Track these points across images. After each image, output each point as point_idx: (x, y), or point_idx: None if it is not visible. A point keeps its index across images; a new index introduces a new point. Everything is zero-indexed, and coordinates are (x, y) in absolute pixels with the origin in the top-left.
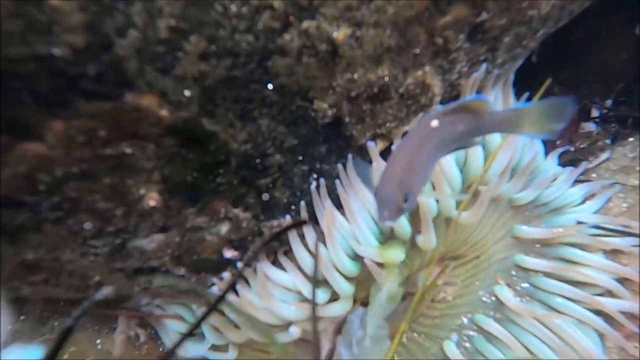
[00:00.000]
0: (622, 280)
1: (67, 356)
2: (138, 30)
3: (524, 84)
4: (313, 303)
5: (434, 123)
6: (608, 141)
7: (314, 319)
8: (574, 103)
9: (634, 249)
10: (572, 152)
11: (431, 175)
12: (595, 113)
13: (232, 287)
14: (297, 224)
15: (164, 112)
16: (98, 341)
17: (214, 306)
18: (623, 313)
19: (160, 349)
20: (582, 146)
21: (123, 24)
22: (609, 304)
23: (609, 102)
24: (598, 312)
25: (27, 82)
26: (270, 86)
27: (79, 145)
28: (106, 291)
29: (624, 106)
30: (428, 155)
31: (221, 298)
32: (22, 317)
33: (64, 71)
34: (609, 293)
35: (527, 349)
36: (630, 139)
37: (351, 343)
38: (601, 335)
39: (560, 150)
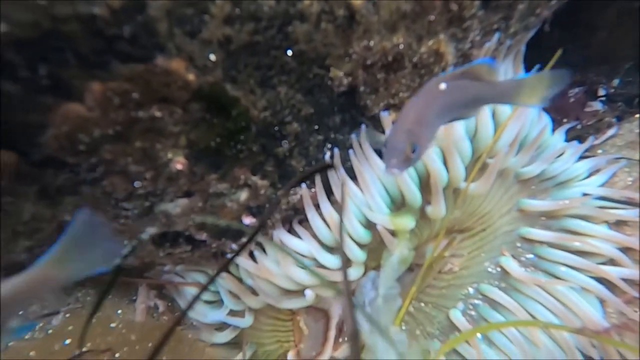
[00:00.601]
0: (625, 250)
1: (94, 320)
2: None
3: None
4: (342, 256)
5: (442, 86)
6: (614, 120)
7: (344, 275)
8: (569, 74)
9: (637, 220)
10: (579, 129)
11: (436, 135)
12: (602, 92)
13: (249, 254)
14: (323, 168)
15: (191, 77)
16: (119, 311)
17: (226, 265)
18: (625, 280)
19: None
20: (588, 123)
21: None
22: (611, 271)
23: (615, 82)
24: (601, 280)
25: (71, 42)
26: (289, 52)
27: (114, 107)
28: (151, 231)
29: (631, 86)
30: (436, 114)
31: (233, 258)
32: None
33: (103, 31)
34: (612, 262)
35: (530, 315)
36: (638, 115)
37: (364, 303)
38: (602, 302)
39: (568, 126)
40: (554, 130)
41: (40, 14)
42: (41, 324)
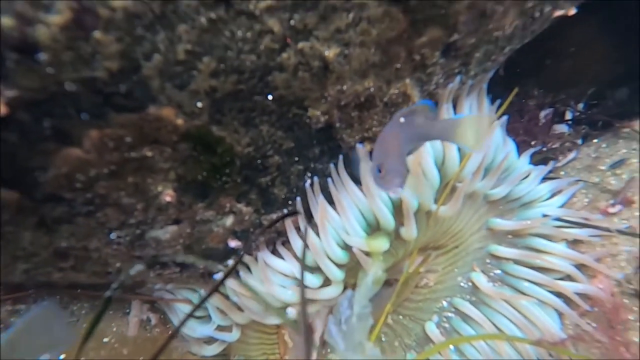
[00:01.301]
0: (580, 266)
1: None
2: (161, 54)
3: (507, 89)
4: (302, 284)
5: (402, 119)
6: (579, 141)
7: (303, 300)
8: (501, 121)
9: (592, 239)
10: (544, 151)
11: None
12: (569, 116)
13: (235, 273)
14: (290, 214)
15: (180, 121)
16: (113, 324)
17: (216, 287)
18: (579, 294)
19: (169, 329)
20: (553, 146)
21: (149, 50)
22: (567, 287)
23: (580, 106)
24: (559, 294)
25: (74, 100)
26: (270, 97)
27: (109, 150)
28: (138, 268)
29: (596, 109)
30: (403, 142)
31: (223, 280)
32: (45, 303)
33: (101, 90)
34: (569, 277)
35: (496, 327)
36: (595, 140)
37: (340, 321)
38: (560, 314)
39: (533, 150)
40: (519, 153)
41: (48, 81)
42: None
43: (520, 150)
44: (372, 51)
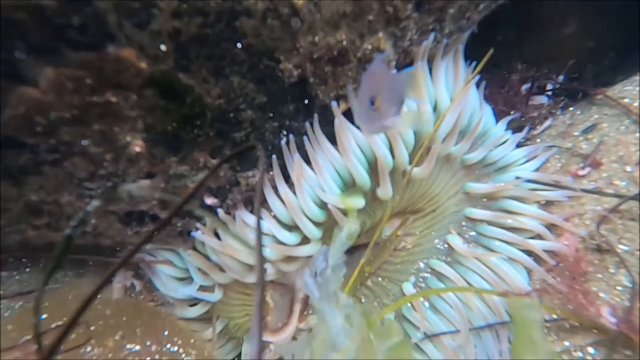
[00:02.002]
0: (550, 226)
1: (71, 297)
2: None
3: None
4: (259, 259)
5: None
6: (559, 112)
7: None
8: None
9: (562, 200)
10: (522, 120)
11: None
12: (549, 87)
13: (214, 232)
14: (246, 149)
15: (143, 65)
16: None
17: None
18: (547, 252)
19: (154, 297)
20: (532, 115)
21: None
22: (536, 245)
23: (561, 78)
24: (529, 252)
25: (21, 30)
26: (239, 45)
27: (69, 91)
28: (95, 204)
29: (577, 82)
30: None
31: (181, 206)
32: (27, 270)
33: (51, 20)
34: (539, 236)
35: (469, 284)
36: (571, 109)
37: (315, 273)
38: (529, 271)
39: (510, 118)
40: (497, 121)
41: None
42: (20, 302)
43: (499, 119)
44: (342, 0)
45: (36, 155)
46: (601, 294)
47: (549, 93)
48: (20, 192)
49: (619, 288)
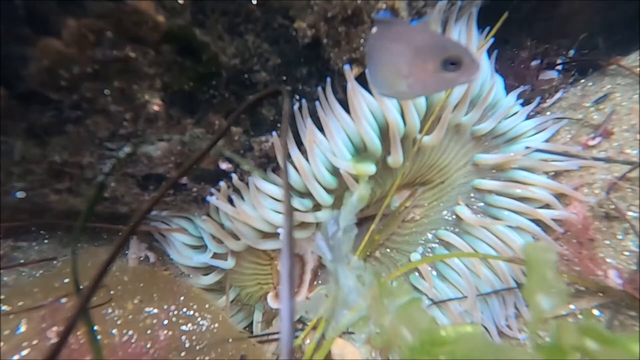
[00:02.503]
0: (559, 196)
1: (90, 264)
2: None
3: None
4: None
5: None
6: (569, 86)
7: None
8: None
9: (571, 169)
10: (533, 92)
11: None
12: (559, 62)
13: (228, 199)
14: (271, 93)
15: (161, 18)
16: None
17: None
18: (555, 220)
19: (167, 268)
20: (542, 88)
21: None
22: (545, 213)
23: (571, 52)
24: (537, 221)
25: None
26: (254, 1)
27: (90, 44)
28: (126, 149)
29: (585, 57)
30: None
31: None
32: (45, 241)
33: None
34: (548, 206)
35: (476, 252)
36: (582, 81)
37: (327, 236)
38: (537, 239)
39: (520, 89)
40: (508, 93)
41: None
42: (41, 271)
43: (509, 92)
44: None
45: (60, 113)
46: (608, 259)
47: (559, 68)
48: (44, 153)
49: (626, 253)
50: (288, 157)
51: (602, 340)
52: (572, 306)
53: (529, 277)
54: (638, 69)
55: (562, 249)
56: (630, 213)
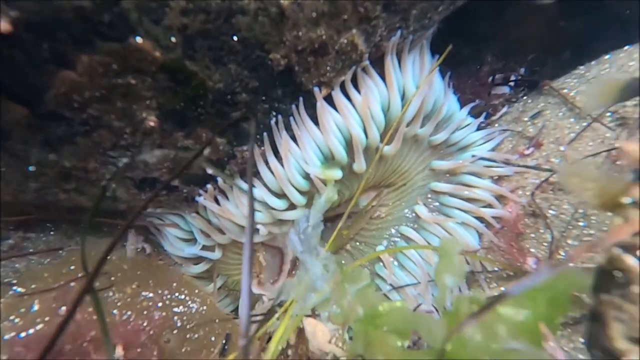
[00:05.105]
0: (499, 197)
1: (93, 253)
2: None
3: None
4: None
5: None
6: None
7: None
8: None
9: (510, 175)
10: (484, 106)
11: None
12: (512, 78)
13: (215, 199)
14: (240, 119)
15: (157, 54)
16: (112, 253)
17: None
18: (495, 218)
19: (162, 258)
20: (493, 102)
21: None
22: (486, 212)
23: (522, 70)
24: (481, 218)
25: (66, 25)
26: (235, 38)
27: (99, 75)
28: (124, 160)
29: (538, 74)
30: None
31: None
32: (51, 233)
33: (88, 18)
34: (489, 205)
35: (429, 244)
36: (524, 97)
37: (299, 231)
38: (480, 233)
39: (472, 104)
40: (462, 107)
41: (44, 5)
42: (48, 259)
43: (465, 106)
44: (321, 1)
45: (71, 127)
46: (532, 249)
47: (512, 84)
48: (57, 159)
49: (545, 244)
50: (266, 163)
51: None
52: (502, 288)
53: (439, 263)
54: (564, 91)
55: (499, 241)
56: (550, 211)
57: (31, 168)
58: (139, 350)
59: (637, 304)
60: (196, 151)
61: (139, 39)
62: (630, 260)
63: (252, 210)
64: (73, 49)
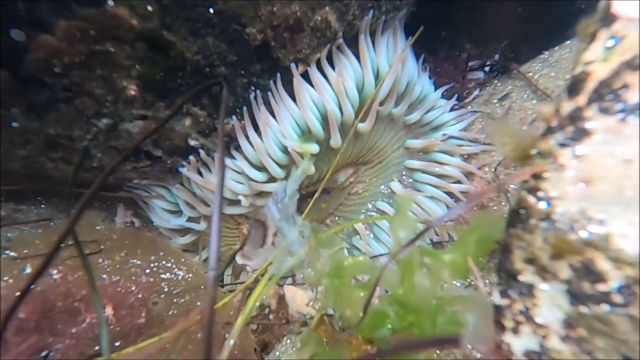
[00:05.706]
0: (467, 174)
1: (83, 223)
2: None
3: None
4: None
5: None
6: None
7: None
8: None
9: (478, 153)
10: (459, 88)
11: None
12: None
13: (198, 171)
14: (212, 84)
15: (134, 21)
16: (100, 221)
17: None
18: (463, 192)
19: (150, 231)
20: (467, 86)
21: None
22: (455, 187)
23: (496, 56)
24: (450, 193)
25: None
26: (211, 10)
27: (78, 40)
28: (105, 120)
29: (512, 61)
30: None
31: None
32: (42, 205)
33: None
34: (459, 181)
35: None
36: (495, 81)
37: (277, 201)
38: (448, 207)
39: (446, 87)
40: (436, 89)
41: None
42: (40, 230)
43: (435, 86)
44: None
45: (54, 93)
46: None
47: (486, 69)
48: (41, 126)
49: (505, 215)
50: (246, 137)
51: (431, 256)
52: None
53: (395, 218)
54: (529, 75)
55: (465, 214)
56: (511, 185)
57: (14, 124)
58: (127, 310)
59: (533, 233)
60: (170, 114)
61: (110, 2)
62: (530, 199)
63: (223, 161)
64: (49, 11)
